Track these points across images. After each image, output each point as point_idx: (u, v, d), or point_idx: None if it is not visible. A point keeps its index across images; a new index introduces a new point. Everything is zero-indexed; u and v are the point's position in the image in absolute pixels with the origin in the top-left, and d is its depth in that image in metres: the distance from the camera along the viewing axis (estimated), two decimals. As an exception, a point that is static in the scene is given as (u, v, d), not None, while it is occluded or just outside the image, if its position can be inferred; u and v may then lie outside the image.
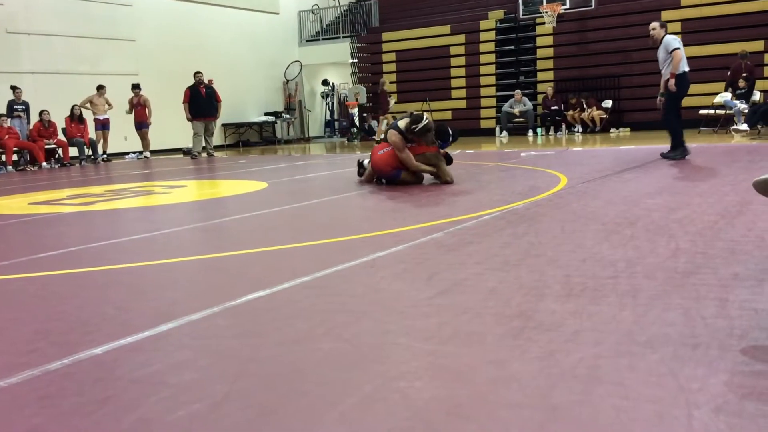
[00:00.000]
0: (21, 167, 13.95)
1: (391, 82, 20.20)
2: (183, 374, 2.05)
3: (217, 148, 17.58)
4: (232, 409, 1.79)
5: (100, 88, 15.24)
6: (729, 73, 13.81)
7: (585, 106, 16.37)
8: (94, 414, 1.80)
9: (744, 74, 13.38)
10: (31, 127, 14.42)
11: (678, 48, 8.06)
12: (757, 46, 14.62)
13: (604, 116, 16.18)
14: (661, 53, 8.23)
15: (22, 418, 1.80)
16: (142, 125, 15.59)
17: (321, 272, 3.28)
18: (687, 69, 8.15)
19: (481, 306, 2.60)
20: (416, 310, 2.61)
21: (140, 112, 15.50)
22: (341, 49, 21.77)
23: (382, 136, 16.01)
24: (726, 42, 15.09)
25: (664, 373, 1.87)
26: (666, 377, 1.84)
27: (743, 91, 13.30)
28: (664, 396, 1.73)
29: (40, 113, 14.33)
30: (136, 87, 15.50)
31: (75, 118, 14.86)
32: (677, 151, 8.18)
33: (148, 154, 15.90)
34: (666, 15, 16.28)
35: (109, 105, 15.33)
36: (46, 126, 14.38)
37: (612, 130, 15.96)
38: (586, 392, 1.78)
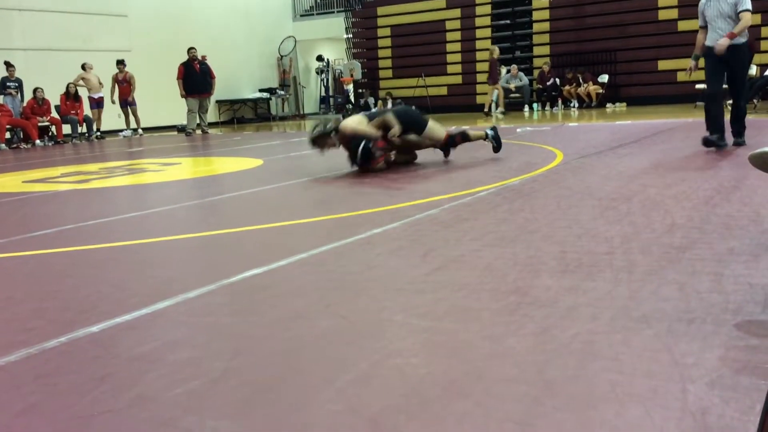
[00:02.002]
0: (14, 145, 13.88)
1: (386, 58, 20.09)
2: (180, 352, 2.06)
3: (212, 125, 17.50)
4: (230, 386, 1.79)
5: (85, 65, 15.10)
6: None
7: (581, 81, 16.30)
8: (92, 392, 1.81)
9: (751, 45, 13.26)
10: (24, 104, 14.32)
11: (749, 10, 6.59)
12: (755, 19, 14.52)
13: (600, 91, 16.13)
14: (723, 5, 6.52)
15: (20, 396, 1.81)
16: (127, 102, 15.47)
17: (317, 249, 3.28)
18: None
19: (477, 282, 2.60)
20: (412, 286, 2.62)
21: (125, 89, 15.36)
22: (336, 24, 21.60)
23: (498, 110, 15.89)
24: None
25: (659, 348, 1.88)
26: (661, 352, 1.85)
27: None
28: (659, 371, 1.74)
29: (34, 90, 14.23)
30: (120, 63, 15.34)
31: (70, 96, 14.76)
32: (720, 137, 6.58)
33: (140, 131, 15.82)
34: (663, -11, 16.17)
35: (101, 83, 15.21)
36: (39, 103, 14.28)
37: (608, 105, 15.92)
38: (582, 367, 1.79)
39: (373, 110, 6.79)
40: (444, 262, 2.93)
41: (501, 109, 15.94)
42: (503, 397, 1.66)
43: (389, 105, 19.16)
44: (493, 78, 15.79)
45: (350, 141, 6.11)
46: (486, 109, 15.77)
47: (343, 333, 2.16)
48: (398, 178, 5.75)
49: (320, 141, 6.22)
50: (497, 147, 6.71)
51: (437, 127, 6.57)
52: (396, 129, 6.08)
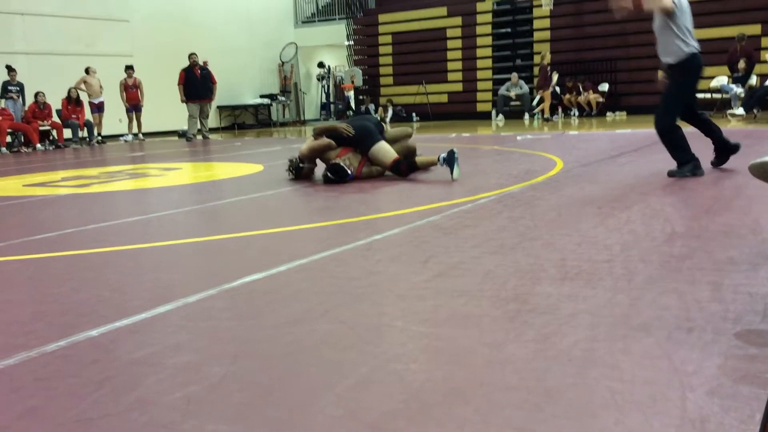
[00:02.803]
0: (15, 149, 13.88)
1: (387, 65, 20.13)
2: (180, 356, 2.06)
3: (212, 130, 17.52)
4: (229, 391, 1.79)
5: (89, 69, 15.13)
6: (727, 57, 13.74)
7: (581, 89, 16.33)
8: (92, 395, 1.81)
9: (745, 56, 13.29)
10: (25, 108, 14.33)
11: None
12: (755, 29, 14.59)
13: (601, 100, 16.16)
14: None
15: (20, 399, 1.81)
16: (135, 107, 15.49)
17: (318, 255, 3.28)
18: (696, 47, 5.34)
19: (477, 289, 2.61)
20: (412, 292, 2.62)
21: (133, 95, 15.39)
22: (337, 31, 21.65)
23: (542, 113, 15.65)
24: (724, 25, 15.05)
25: (658, 356, 1.88)
26: (660, 360, 1.85)
27: (741, 74, 13.24)
28: (659, 379, 1.74)
29: (36, 95, 14.24)
30: (129, 68, 15.38)
31: (72, 101, 14.78)
32: (685, 167, 5.38)
33: (141, 136, 15.83)
34: (664, -2, 16.20)
35: (101, 87, 15.22)
36: (41, 108, 14.29)
37: (608, 113, 15.95)
38: (581, 375, 1.79)
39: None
40: (444, 268, 2.93)
41: (546, 115, 15.73)
42: (503, 403, 1.66)
43: (389, 112, 19.22)
44: (544, 83, 15.64)
45: (317, 157, 6.33)
46: (546, 115, 15.61)
47: (343, 338, 2.16)
48: (399, 184, 5.75)
49: (300, 173, 6.36)
50: (451, 170, 5.97)
51: (386, 150, 6.08)
52: (344, 125, 6.19)
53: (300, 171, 6.35)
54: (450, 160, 5.84)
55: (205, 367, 1.96)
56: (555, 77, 15.97)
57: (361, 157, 6.12)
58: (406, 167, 6.05)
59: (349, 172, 5.95)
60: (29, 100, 14.40)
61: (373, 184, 5.77)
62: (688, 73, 5.39)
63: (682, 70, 5.36)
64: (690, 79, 5.47)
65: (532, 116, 16.08)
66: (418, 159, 6.21)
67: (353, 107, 20.09)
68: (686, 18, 5.34)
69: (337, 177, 5.91)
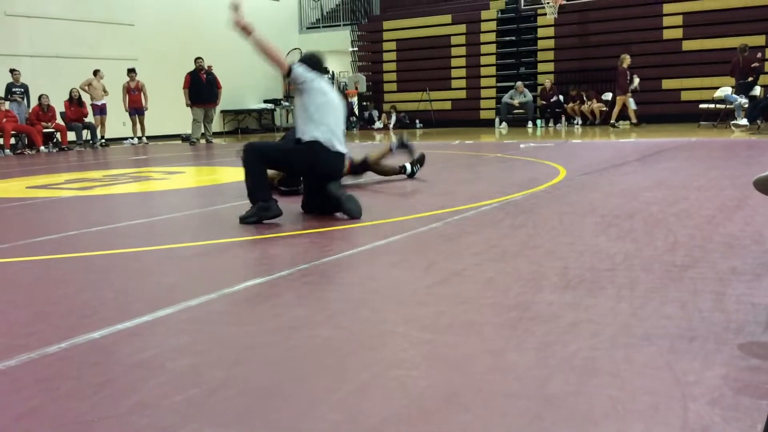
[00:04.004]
0: (19, 151, 13.92)
1: (391, 72, 20.16)
2: (181, 359, 2.06)
3: (216, 134, 17.54)
4: (230, 395, 1.79)
5: (97, 72, 15.18)
6: (730, 67, 13.73)
7: (585, 98, 16.34)
8: (92, 397, 1.81)
9: (753, 65, 13.26)
10: (29, 110, 14.36)
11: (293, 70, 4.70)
12: (759, 40, 14.60)
13: (604, 109, 16.16)
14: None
15: (20, 400, 1.81)
16: (138, 111, 15.50)
17: (320, 260, 3.28)
18: (317, 136, 4.47)
19: (479, 296, 2.60)
20: (414, 299, 2.61)
21: (136, 98, 15.40)
22: (341, 37, 21.71)
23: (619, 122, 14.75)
24: (728, 36, 15.06)
25: (660, 366, 1.87)
26: (662, 370, 1.85)
27: (748, 81, 13.18)
28: (660, 388, 1.74)
29: (39, 97, 14.27)
30: (131, 71, 15.39)
31: (74, 102, 14.81)
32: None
33: (144, 139, 15.86)
34: (668, 8, 16.26)
35: (105, 92, 15.24)
36: (45, 110, 14.32)
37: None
38: (583, 383, 1.78)
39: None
40: (446, 275, 2.93)
41: (633, 120, 14.87)
42: (504, 411, 1.66)
43: (393, 118, 19.24)
44: (621, 87, 14.79)
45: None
46: (613, 121, 14.92)
47: (344, 344, 2.15)
48: (401, 190, 5.75)
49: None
50: (413, 165, 6.17)
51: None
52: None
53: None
54: (403, 144, 6.03)
55: (205, 371, 1.95)
56: (636, 81, 14.83)
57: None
58: (360, 166, 6.08)
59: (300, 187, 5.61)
60: (33, 101, 14.43)
61: (375, 191, 5.77)
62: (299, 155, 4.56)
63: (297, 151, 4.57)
64: (299, 161, 4.59)
65: (614, 126, 14.88)
66: (371, 154, 6.18)
67: (356, 113, 20.11)
68: (326, 108, 4.59)
69: (288, 188, 5.72)
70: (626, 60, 14.75)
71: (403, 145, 6.07)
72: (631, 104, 14.91)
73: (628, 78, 14.71)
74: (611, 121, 14.97)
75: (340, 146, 4.58)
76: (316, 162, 4.51)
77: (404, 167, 6.33)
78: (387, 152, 6.14)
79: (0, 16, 15.10)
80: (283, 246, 3.83)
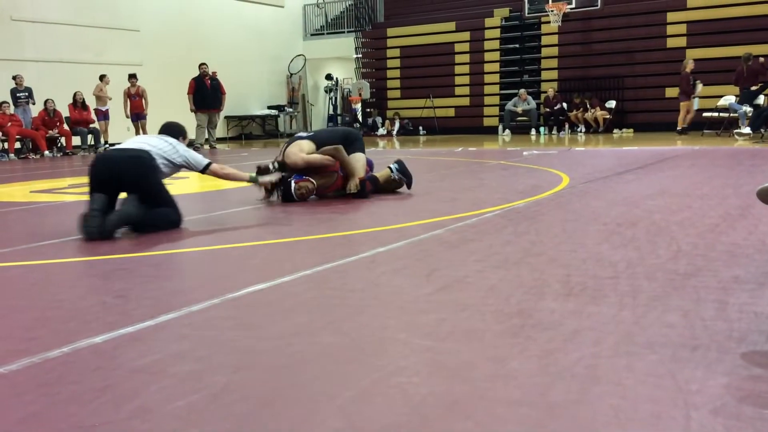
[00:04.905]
0: (23, 155, 13.95)
1: (394, 78, 20.19)
2: (182, 364, 2.06)
3: (220, 140, 17.58)
4: (231, 400, 1.79)
5: (103, 77, 15.23)
6: (734, 76, 13.70)
7: (588, 106, 16.35)
8: (93, 402, 1.81)
9: (754, 75, 13.23)
10: (35, 114, 14.40)
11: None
12: (763, 49, 14.59)
13: (608, 116, 16.17)
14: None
15: (21, 404, 1.81)
16: (139, 116, 15.51)
17: (321, 266, 3.28)
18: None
19: (481, 303, 2.60)
20: (416, 306, 2.61)
21: (137, 103, 15.41)
22: (345, 44, 21.76)
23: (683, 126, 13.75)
24: (732, 45, 15.07)
25: (662, 374, 1.87)
26: (664, 378, 1.84)
27: (753, 90, 13.15)
28: (662, 397, 1.73)
29: (45, 102, 14.30)
30: (132, 77, 15.42)
31: (78, 105, 14.86)
32: None
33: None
34: (671, 16, 16.28)
35: (108, 97, 15.29)
36: (51, 115, 14.35)
37: (615, 130, 15.95)
38: (584, 391, 1.78)
39: (309, 133, 6.08)
40: (448, 282, 2.93)
41: (681, 126, 14.14)
42: (505, 419, 1.65)
43: (396, 125, 19.25)
44: (685, 92, 14.16)
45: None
46: (679, 127, 14.20)
47: (345, 350, 2.15)
48: (404, 197, 5.76)
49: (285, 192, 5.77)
50: (407, 182, 5.88)
51: (362, 164, 5.82)
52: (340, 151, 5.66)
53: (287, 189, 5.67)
54: (403, 170, 5.86)
55: (207, 377, 1.95)
56: (699, 87, 14.21)
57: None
58: (371, 186, 5.74)
59: (272, 170, 5.56)
60: (39, 102, 14.45)
61: (377, 197, 5.77)
62: None
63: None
64: None
65: (681, 132, 14.13)
66: (379, 175, 5.89)
67: (360, 120, 20.14)
68: None
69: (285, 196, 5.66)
70: (689, 65, 14.20)
71: (403, 173, 5.87)
72: (695, 104, 14.22)
73: (691, 82, 14.12)
74: (678, 128, 14.19)
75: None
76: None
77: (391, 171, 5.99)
78: (390, 177, 5.88)
79: (5, 20, 15.16)
80: (285, 252, 3.83)
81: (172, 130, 5.00)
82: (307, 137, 5.88)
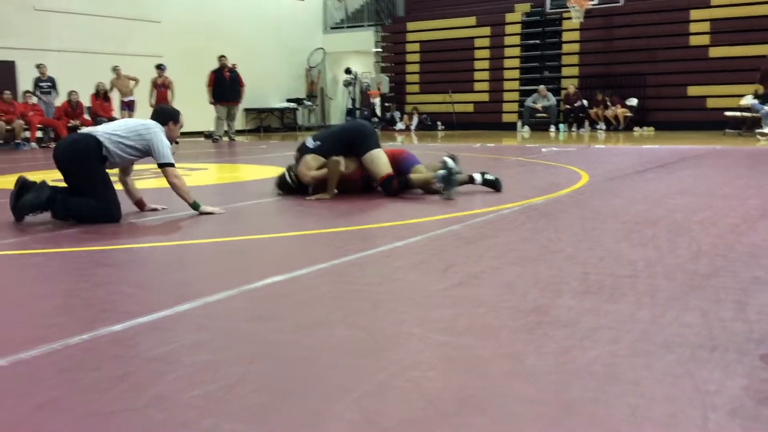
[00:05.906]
0: (44, 144, 14.08)
1: (414, 73, 20.14)
2: (199, 354, 2.07)
3: (239, 132, 17.64)
4: (247, 391, 1.80)
5: (116, 69, 15.33)
6: (760, 75, 13.45)
7: (609, 103, 16.22)
8: (112, 390, 1.82)
9: None
10: (58, 103, 14.52)
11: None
12: (764, 50, 14.37)
13: (629, 114, 16.04)
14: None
15: (41, 390, 1.83)
16: None
17: (338, 260, 3.29)
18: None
19: (497, 299, 2.59)
20: (432, 300, 2.61)
21: (163, 94, 15.50)
22: (365, 38, 21.73)
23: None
24: (755, 43, 14.87)
25: (680, 374, 1.86)
26: (682, 378, 1.83)
27: None
28: (680, 397, 1.72)
29: (69, 93, 14.42)
30: (159, 67, 15.51)
31: (100, 96, 14.97)
32: None
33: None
34: (695, 14, 16.10)
35: (131, 83, 15.35)
36: (74, 107, 14.47)
37: (636, 128, 15.82)
38: (602, 389, 1.77)
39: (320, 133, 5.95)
40: (464, 277, 2.93)
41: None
42: (520, 415, 1.65)
43: (415, 120, 19.21)
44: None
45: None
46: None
47: (361, 344, 2.16)
48: (420, 193, 5.75)
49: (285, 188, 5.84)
50: (448, 187, 5.31)
51: (381, 161, 5.58)
52: (342, 165, 5.54)
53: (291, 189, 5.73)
54: (447, 179, 5.26)
55: (223, 367, 1.97)
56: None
57: (357, 161, 5.63)
58: (399, 185, 5.51)
59: (293, 186, 5.64)
60: (62, 92, 14.57)
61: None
62: None
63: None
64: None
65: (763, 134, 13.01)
66: (414, 176, 5.57)
67: (378, 114, 20.12)
68: None
69: (283, 190, 5.70)
70: None
71: (449, 181, 5.29)
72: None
73: None
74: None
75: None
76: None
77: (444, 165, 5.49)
78: (430, 182, 5.51)
79: (28, 10, 15.29)
80: (303, 244, 3.84)
81: (160, 114, 4.99)
82: (313, 150, 5.66)
